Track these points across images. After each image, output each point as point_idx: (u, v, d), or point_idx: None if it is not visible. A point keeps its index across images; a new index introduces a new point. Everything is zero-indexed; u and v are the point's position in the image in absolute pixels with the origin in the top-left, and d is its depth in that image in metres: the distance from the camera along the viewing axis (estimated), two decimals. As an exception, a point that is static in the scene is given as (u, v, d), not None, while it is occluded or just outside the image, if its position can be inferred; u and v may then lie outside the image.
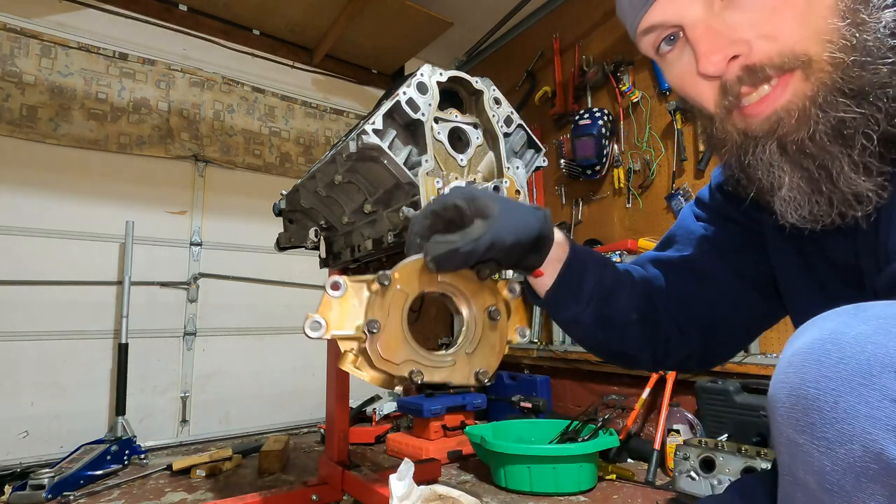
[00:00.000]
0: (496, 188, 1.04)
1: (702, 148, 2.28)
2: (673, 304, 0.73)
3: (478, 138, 1.21)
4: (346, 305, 0.61)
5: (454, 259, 0.61)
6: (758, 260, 0.70)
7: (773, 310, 0.73)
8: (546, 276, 0.69)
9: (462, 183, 0.71)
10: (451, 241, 0.60)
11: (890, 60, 0.45)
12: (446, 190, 0.70)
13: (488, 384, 0.62)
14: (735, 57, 0.50)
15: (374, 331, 0.59)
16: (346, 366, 0.61)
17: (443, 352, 0.62)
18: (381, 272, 0.61)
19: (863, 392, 0.36)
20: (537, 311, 2.93)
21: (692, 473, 1.65)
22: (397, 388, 0.63)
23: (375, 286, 0.61)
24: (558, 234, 0.69)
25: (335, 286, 0.60)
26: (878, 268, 0.51)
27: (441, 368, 0.61)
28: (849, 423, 0.36)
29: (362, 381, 0.62)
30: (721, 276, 0.72)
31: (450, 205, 0.64)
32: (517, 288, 0.68)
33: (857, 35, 0.46)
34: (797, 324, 0.66)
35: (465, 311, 0.65)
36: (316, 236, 1.59)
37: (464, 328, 0.64)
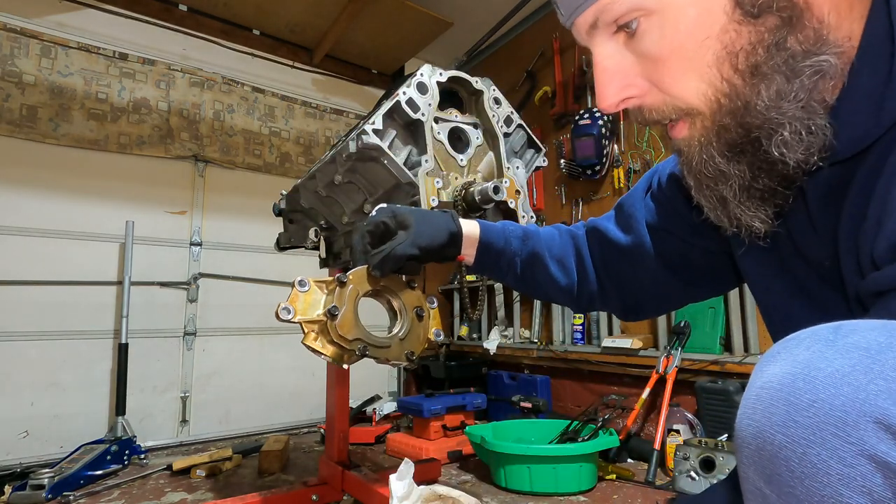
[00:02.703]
0: (496, 188, 1.04)
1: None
2: (603, 271, 0.83)
3: (478, 138, 1.21)
4: (310, 298, 0.79)
5: (387, 263, 0.78)
6: (690, 250, 0.74)
7: (692, 296, 0.80)
8: (469, 257, 0.85)
9: (384, 204, 0.87)
10: (383, 250, 0.78)
11: (767, 120, 0.46)
12: (374, 212, 0.83)
13: (415, 363, 0.85)
14: (629, 97, 0.53)
15: (336, 314, 0.77)
16: (308, 342, 0.78)
17: (383, 335, 0.81)
18: (339, 275, 0.81)
19: (836, 444, 0.32)
20: (537, 311, 2.94)
21: (692, 473, 1.65)
22: (345, 364, 0.79)
23: (335, 285, 0.80)
24: (472, 226, 0.84)
25: (302, 283, 0.80)
26: (861, 272, 0.48)
27: (381, 347, 0.80)
28: (818, 481, 0.32)
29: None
30: (649, 266, 0.77)
31: (378, 222, 0.81)
32: (434, 301, 0.90)
33: (736, 94, 0.47)
34: (770, 323, 0.65)
35: (398, 309, 0.84)
36: (316, 236, 1.59)
37: (398, 320, 0.83)
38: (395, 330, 0.83)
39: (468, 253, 0.84)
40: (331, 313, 0.77)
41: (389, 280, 0.83)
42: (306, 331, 0.78)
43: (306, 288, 0.79)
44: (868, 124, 0.44)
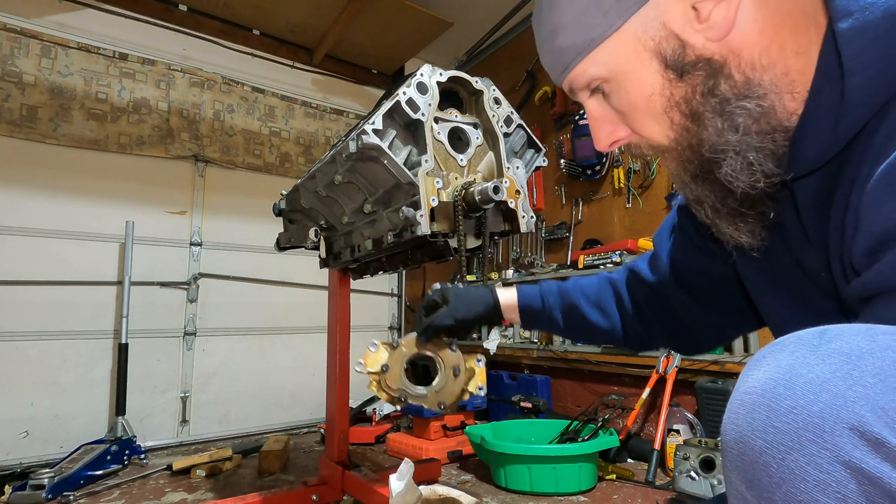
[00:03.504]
0: (496, 188, 1.04)
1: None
2: (647, 310, 0.87)
3: (478, 138, 1.21)
4: (377, 356, 1.01)
5: (428, 332, 0.99)
6: (713, 282, 0.76)
7: (740, 326, 0.81)
8: (513, 320, 0.99)
9: (438, 284, 1.04)
10: (427, 321, 0.99)
11: (715, 153, 0.53)
12: (430, 291, 1.04)
13: (448, 411, 1.00)
14: (617, 140, 0.63)
15: (385, 371, 0.99)
16: (371, 388, 1.00)
17: (422, 387, 1.00)
18: (395, 339, 1.05)
19: (813, 451, 0.32)
20: (537, 311, 2.93)
21: (692, 473, 1.65)
22: (397, 405, 1.01)
23: (391, 348, 1.02)
24: (510, 294, 0.98)
25: (373, 345, 1.01)
26: (847, 280, 0.50)
27: (418, 397, 0.99)
28: (795, 487, 0.33)
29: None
30: (682, 302, 0.81)
31: (431, 300, 1.02)
32: (482, 360, 1.03)
33: (689, 133, 0.55)
34: (773, 333, 0.67)
35: (439, 368, 1.01)
36: (316, 236, 1.59)
37: (437, 377, 1.01)
38: (434, 384, 1.00)
39: (511, 317, 0.98)
40: (382, 370, 0.99)
41: (434, 344, 1.02)
42: (370, 380, 1.00)
43: (375, 349, 1.01)
44: (829, 139, 0.49)
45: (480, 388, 1.00)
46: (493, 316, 0.97)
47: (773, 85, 0.51)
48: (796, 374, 0.35)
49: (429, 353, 1.01)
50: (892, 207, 0.42)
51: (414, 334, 1.03)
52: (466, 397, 1.00)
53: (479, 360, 1.04)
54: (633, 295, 0.88)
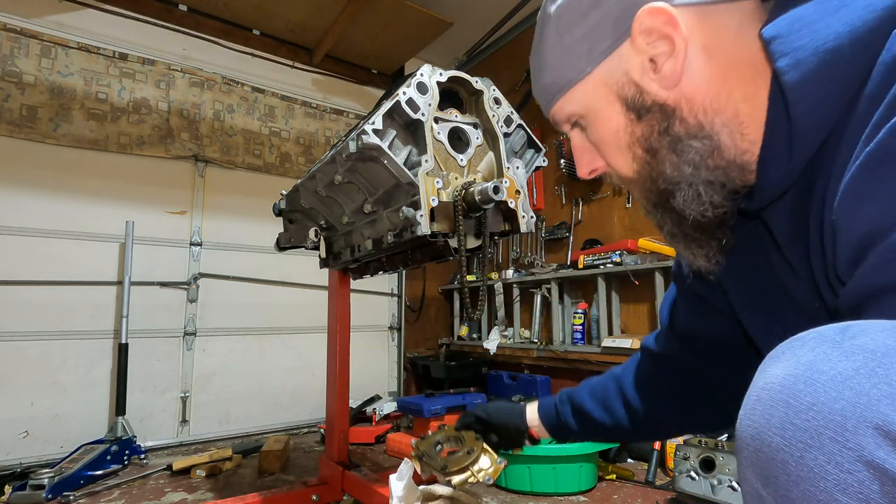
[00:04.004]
0: (496, 188, 1.04)
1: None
2: (665, 395, 0.88)
3: (478, 138, 1.21)
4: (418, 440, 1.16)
5: (463, 417, 1.11)
6: (720, 336, 0.77)
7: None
8: (539, 433, 1.06)
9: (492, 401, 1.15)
10: (462, 415, 1.12)
11: (669, 185, 0.59)
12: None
13: (454, 485, 1.04)
14: (595, 169, 0.70)
15: (423, 438, 1.13)
16: (414, 461, 1.11)
17: (442, 458, 1.09)
18: (442, 424, 1.17)
19: (834, 449, 0.32)
20: (537, 311, 2.94)
21: (692, 473, 1.65)
22: (422, 471, 1.08)
23: (438, 427, 1.16)
24: (533, 408, 1.06)
25: (440, 427, 1.17)
26: (835, 293, 0.50)
27: (433, 459, 1.06)
28: (814, 485, 0.32)
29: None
30: (692, 369, 0.83)
31: (480, 405, 1.13)
32: (502, 462, 1.07)
33: (649, 166, 0.61)
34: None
35: (459, 450, 1.09)
36: (316, 236, 1.59)
37: (456, 455, 1.08)
38: (451, 460, 1.08)
39: (535, 426, 1.07)
40: (422, 437, 1.13)
41: (466, 432, 1.11)
42: (414, 446, 1.15)
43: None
44: (785, 165, 0.52)
45: (488, 480, 1.05)
46: (520, 424, 1.06)
47: (723, 126, 0.56)
48: (818, 371, 0.34)
49: (457, 435, 1.14)
50: (865, 213, 0.42)
51: (452, 425, 1.18)
52: (473, 480, 1.04)
53: (499, 460, 1.08)
54: (646, 375, 0.90)
